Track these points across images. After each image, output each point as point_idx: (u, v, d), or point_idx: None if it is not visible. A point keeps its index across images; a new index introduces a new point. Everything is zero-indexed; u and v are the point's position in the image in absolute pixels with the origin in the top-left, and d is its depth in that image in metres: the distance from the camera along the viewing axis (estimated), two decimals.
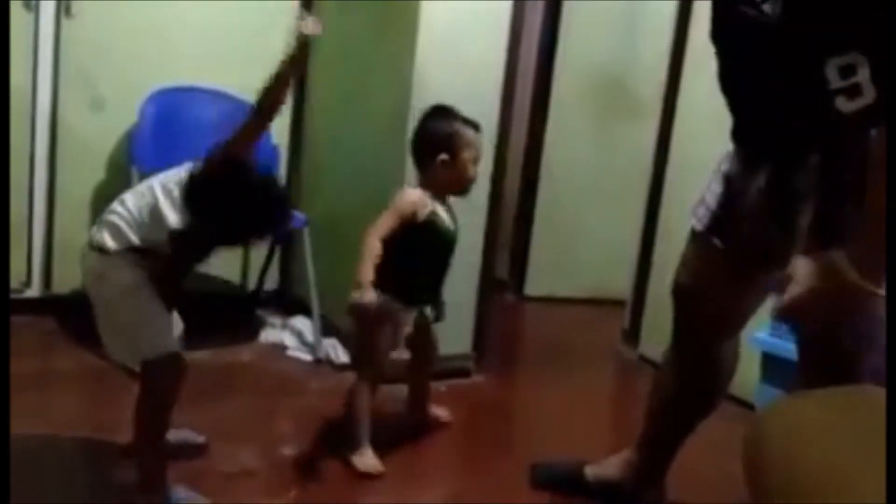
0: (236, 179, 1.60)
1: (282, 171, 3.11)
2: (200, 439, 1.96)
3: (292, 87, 1.51)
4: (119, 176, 2.77)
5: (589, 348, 3.30)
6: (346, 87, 2.88)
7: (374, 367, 2.07)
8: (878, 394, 0.67)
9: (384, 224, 1.96)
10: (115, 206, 1.68)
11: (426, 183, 2.06)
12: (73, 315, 2.75)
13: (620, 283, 3.34)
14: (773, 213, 1.52)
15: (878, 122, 1.35)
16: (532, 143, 3.77)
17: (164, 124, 2.74)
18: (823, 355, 1.48)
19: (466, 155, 2.04)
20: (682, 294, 1.79)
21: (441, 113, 2.10)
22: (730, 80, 1.55)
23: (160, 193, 1.63)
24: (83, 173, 2.82)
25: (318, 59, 3.08)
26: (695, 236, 1.73)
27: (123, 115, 2.76)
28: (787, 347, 2.36)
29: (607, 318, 3.39)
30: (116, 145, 2.84)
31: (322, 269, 2.78)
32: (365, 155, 2.76)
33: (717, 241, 1.66)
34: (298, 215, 2.85)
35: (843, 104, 1.36)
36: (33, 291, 2.82)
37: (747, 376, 2.16)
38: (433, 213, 2.03)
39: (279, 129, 3.04)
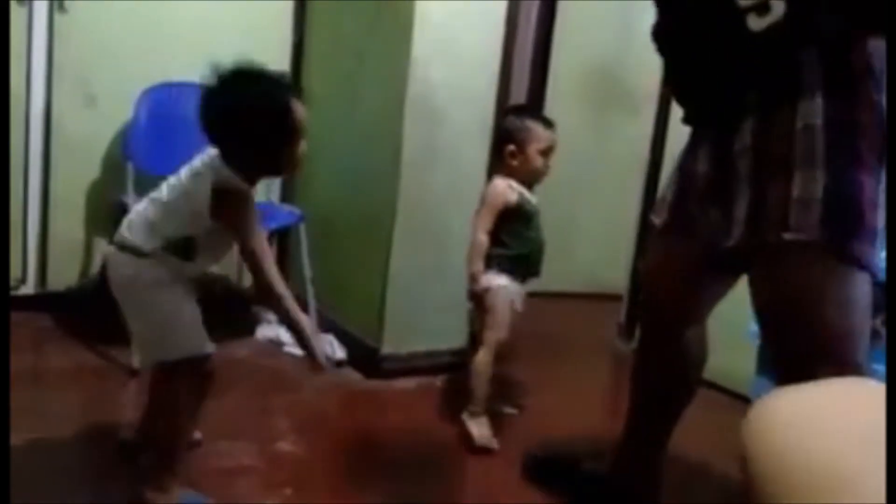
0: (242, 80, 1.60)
1: None
2: (196, 435, 1.95)
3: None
4: (114, 172, 2.76)
5: (584, 343, 3.31)
6: (342, 83, 2.88)
7: (497, 337, 2.24)
8: (875, 386, 0.67)
9: (484, 219, 2.20)
10: (141, 206, 1.66)
11: (503, 171, 2.26)
12: (68, 312, 2.75)
13: (616, 278, 3.35)
14: (713, 197, 1.54)
15: (790, 46, 1.36)
16: None
17: (159, 120, 2.73)
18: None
19: (533, 147, 2.22)
20: (643, 283, 1.85)
21: (516, 110, 2.43)
22: (665, 41, 1.61)
23: (184, 176, 1.62)
24: (77, 170, 2.82)
25: (314, 54, 3.09)
26: (654, 229, 1.76)
27: (118, 111, 2.75)
28: None
29: (603, 313, 3.40)
30: (111, 141, 2.83)
31: (318, 264, 2.77)
32: (361, 150, 2.76)
33: (673, 233, 1.69)
34: (294, 210, 2.85)
35: (754, 21, 1.38)
36: (28, 289, 2.81)
37: (743, 369, 2.16)
38: (520, 195, 2.23)
39: None
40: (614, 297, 3.34)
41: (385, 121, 2.56)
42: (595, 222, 3.76)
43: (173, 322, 1.63)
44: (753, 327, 2.42)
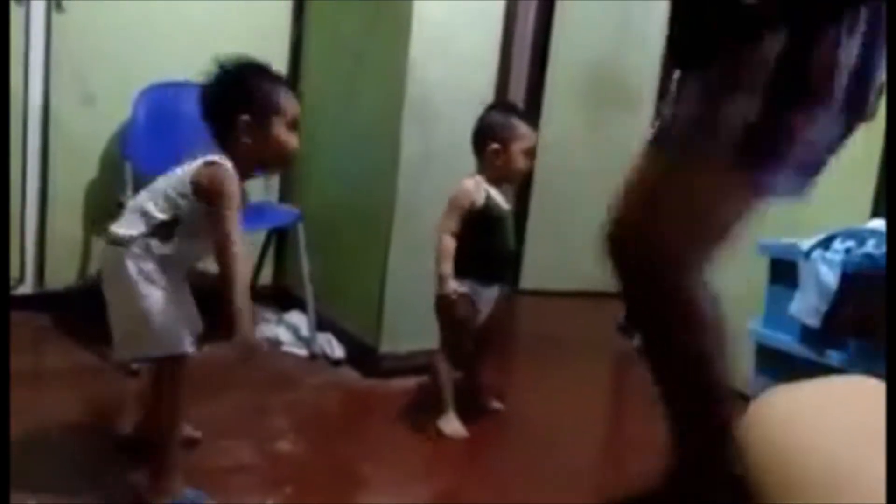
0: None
1: None
2: (196, 434, 1.95)
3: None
4: (112, 172, 2.76)
5: (584, 341, 3.31)
6: (340, 83, 2.88)
7: (455, 341, 2.23)
8: (874, 384, 0.68)
9: (449, 221, 2.14)
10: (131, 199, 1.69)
11: (481, 169, 2.20)
12: (66, 311, 2.75)
13: None
14: None
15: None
16: None
17: (157, 120, 2.73)
18: None
19: (517, 146, 2.16)
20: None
21: (501, 106, 2.32)
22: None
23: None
24: (76, 169, 2.82)
25: (313, 54, 3.09)
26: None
27: (116, 110, 2.75)
28: (782, 338, 2.37)
29: (602, 311, 3.40)
30: (109, 141, 2.83)
31: (316, 263, 2.77)
32: (359, 150, 2.76)
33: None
34: (293, 210, 2.85)
35: None
36: (26, 288, 2.81)
37: (742, 367, 2.17)
38: (488, 197, 2.16)
39: None
40: (613, 296, 3.33)
41: (383, 120, 2.56)
42: (594, 221, 3.75)
43: (144, 319, 1.61)
44: (753, 326, 2.42)
